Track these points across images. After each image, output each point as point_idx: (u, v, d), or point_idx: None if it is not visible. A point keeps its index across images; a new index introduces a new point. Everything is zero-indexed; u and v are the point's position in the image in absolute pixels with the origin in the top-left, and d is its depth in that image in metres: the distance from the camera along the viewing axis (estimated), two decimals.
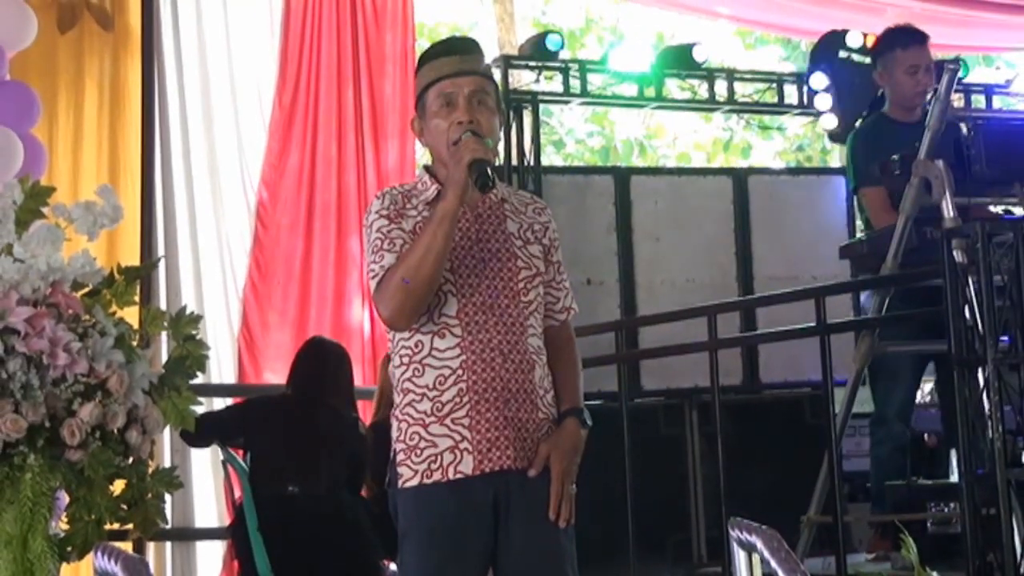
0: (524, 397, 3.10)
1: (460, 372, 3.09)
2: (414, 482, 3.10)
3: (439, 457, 3.08)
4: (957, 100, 7.88)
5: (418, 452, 3.10)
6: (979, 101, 8.50)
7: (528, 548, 3.10)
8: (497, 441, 3.07)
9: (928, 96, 5.42)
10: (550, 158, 13.77)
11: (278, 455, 5.34)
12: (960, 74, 6.79)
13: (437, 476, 3.08)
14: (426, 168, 3.26)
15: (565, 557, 3.15)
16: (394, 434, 3.17)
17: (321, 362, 5.55)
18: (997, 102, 8.56)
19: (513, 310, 3.12)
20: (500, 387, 3.08)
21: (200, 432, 4.19)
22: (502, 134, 7.35)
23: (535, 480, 3.10)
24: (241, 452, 5.53)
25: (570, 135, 15.00)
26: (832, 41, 7.86)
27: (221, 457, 5.76)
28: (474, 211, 3.17)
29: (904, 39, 5.56)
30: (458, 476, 3.07)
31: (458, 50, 3.24)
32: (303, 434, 5.36)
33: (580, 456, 3.15)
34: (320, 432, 5.37)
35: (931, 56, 5.54)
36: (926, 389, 6.88)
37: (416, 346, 3.11)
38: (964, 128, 4.98)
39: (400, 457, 3.13)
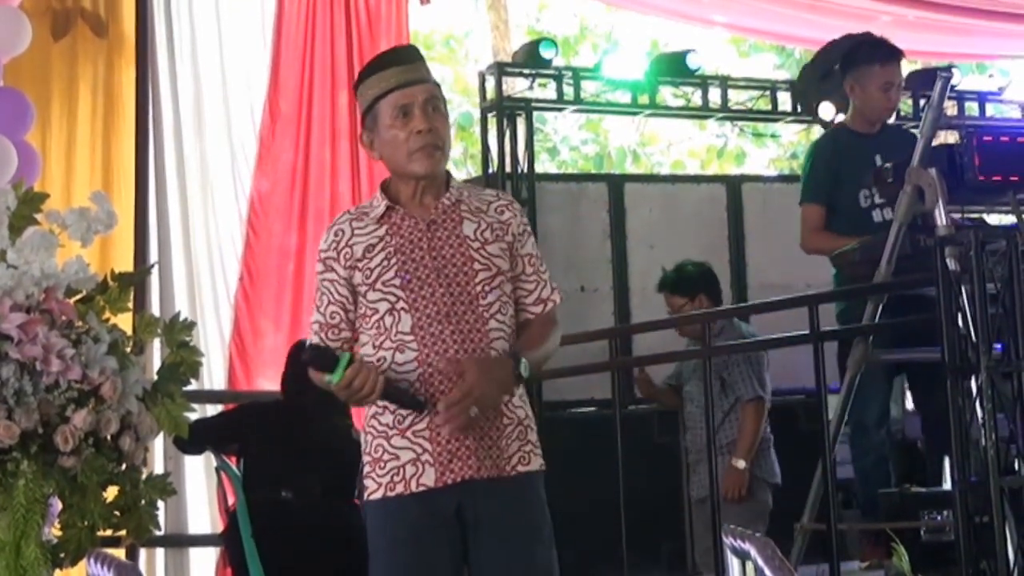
0: (469, 421, 3.06)
1: (418, 385, 3.09)
2: (378, 495, 3.12)
3: (401, 469, 3.09)
4: (950, 108, 7.90)
5: (382, 465, 3.12)
6: (972, 109, 8.51)
7: (499, 564, 3.10)
8: (458, 451, 3.07)
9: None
10: (544, 165, 13.79)
11: (272, 461, 5.34)
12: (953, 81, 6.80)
13: (400, 488, 3.09)
14: (382, 185, 3.27)
15: (539, 570, 3.14)
16: (363, 447, 3.19)
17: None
18: (990, 110, 8.58)
19: (471, 316, 3.11)
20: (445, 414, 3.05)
21: (193, 439, 4.19)
22: (495, 141, 7.44)
23: (501, 489, 3.09)
24: (234, 459, 5.52)
25: (564, 142, 15.00)
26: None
27: (214, 464, 5.77)
28: (427, 219, 3.17)
29: (883, 55, 5.54)
30: (421, 488, 3.08)
31: (402, 60, 3.24)
32: (297, 440, 5.34)
33: (500, 393, 3.09)
34: (314, 438, 5.36)
35: (902, 75, 5.56)
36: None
37: (379, 361, 3.13)
38: (953, 136, 5.00)
39: (366, 470, 3.16)
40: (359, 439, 5.47)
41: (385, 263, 3.13)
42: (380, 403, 3.12)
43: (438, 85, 3.25)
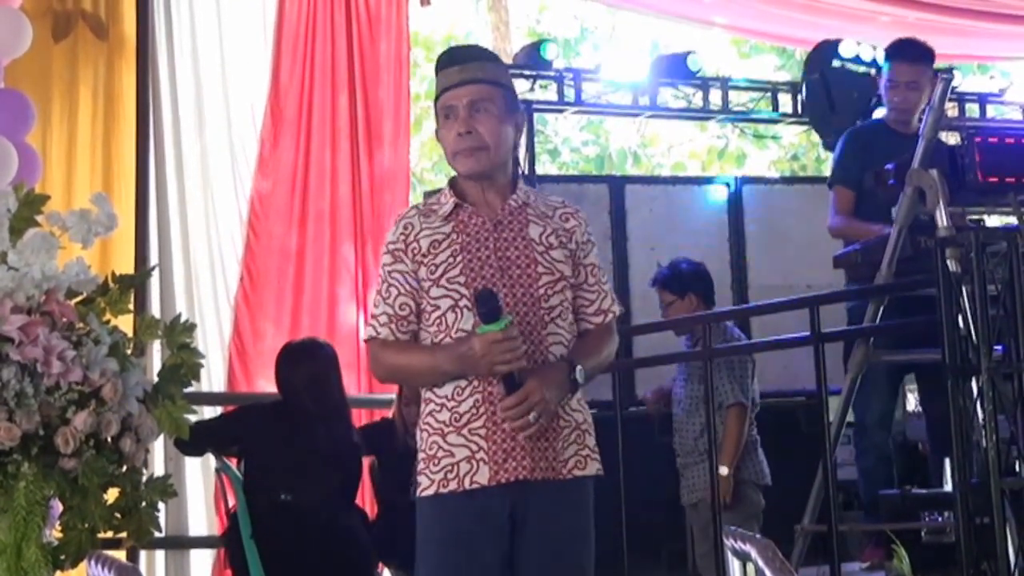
0: (531, 427, 3.07)
1: (476, 383, 3.11)
2: (431, 491, 3.12)
3: (456, 467, 3.09)
4: (951, 109, 7.91)
5: (436, 461, 3.12)
6: (973, 110, 8.51)
7: (544, 566, 3.10)
8: (513, 451, 3.08)
9: (911, 114, 5.49)
10: (545, 167, 13.77)
11: (273, 463, 5.34)
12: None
13: (453, 486, 3.09)
14: (449, 182, 3.29)
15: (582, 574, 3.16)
16: (418, 444, 3.19)
17: (312, 367, 5.50)
18: (991, 111, 8.57)
19: (533, 317, 3.12)
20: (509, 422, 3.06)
21: (194, 440, 4.18)
22: None
23: (554, 491, 3.10)
24: (235, 460, 5.52)
25: (565, 144, 14.97)
26: (825, 50, 7.89)
27: (215, 465, 5.76)
28: (493, 219, 3.19)
29: (892, 52, 5.64)
30: (474, 486, 3.08)
31: (458, 60, 3.26)
32: (297, 442, 5.34)
33: (557, 399, 3.10)
34: (314, 440, 5.35)
35: (916, 74, 5.54)
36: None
37: None
38: (955, 138, 5.00)
39: (420, 466, 3.16)
40: (359, 443, 5.54)
41: (451, 260, 3.14)
42: (438, 397, 3.13)
43: (496, 84, 3.23)
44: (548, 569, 3.11)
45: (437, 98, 3.22)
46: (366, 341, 3.26)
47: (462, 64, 3.22)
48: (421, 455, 3.16)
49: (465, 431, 3.10)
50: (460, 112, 3.17)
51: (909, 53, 5.58)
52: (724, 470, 5.54)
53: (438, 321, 3.14)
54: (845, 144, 5.68)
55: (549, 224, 3.23)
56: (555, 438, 3.12)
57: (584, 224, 3.30)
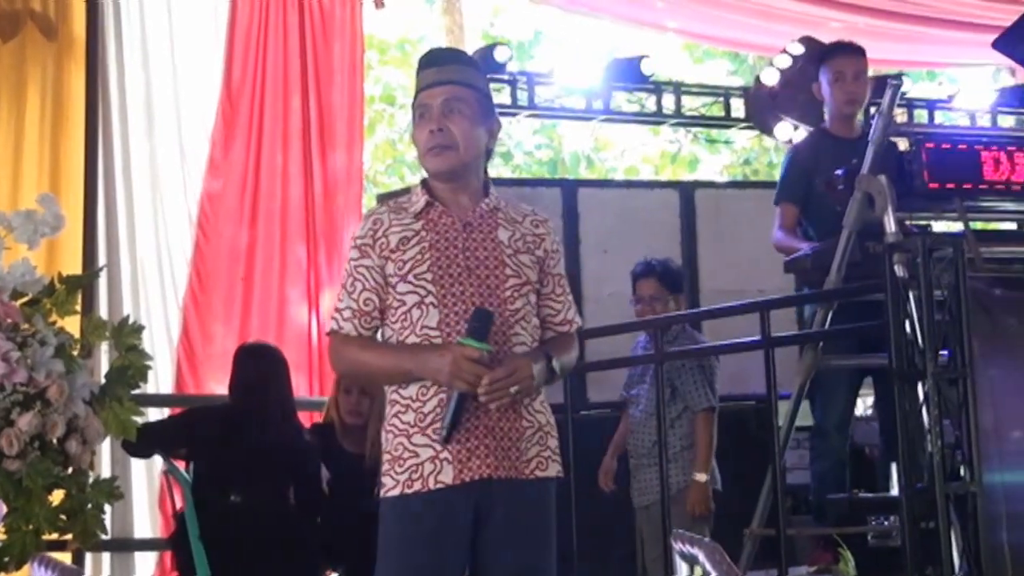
0: (507, 405, 3.11)
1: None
2: (395, 492, 3.13)
3: (420, 467, 3.11)
4: (900, 115, 7.94)
5: (401, 463, 3.13)
6: (921, 116, 8.56)
7: (505, 565, 3.13)
8: (477, 450, 3.10)
9: (860, 107, 5.53)
10: (498, 170, 13.76)
11: (222, 465, 5.31)
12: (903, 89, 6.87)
13: (418, 486, 3.11)
14: (422, 181, 3.31)
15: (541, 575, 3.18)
16: (383, 445, 3.20)
17: (260, 370, 5.49)
18: (939, 117, 8.62)
19: (498, 319, 3.13)
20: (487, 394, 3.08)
21: (142, 443, 4.16)
22: None
23: (517, 490, 3.12)
24: (183, 463, 5.50)
25: (518, 148, 14.97)
26: None
27: (162, 467, 5.74)
28: (464, 220, 3.21)
29: (830, 50, 5.68)
30: (438, 486, 3.09)
31: (437, 62, 3.31)
32: (247, 444, 5.31)
33: (535, 389, 3.15)
34: (264, 443, 5.33)
35: (862, 66, 5.59)
36: (868, 402, 6.91)
37: None
38: (905, 143, 5.03)
39: (385, 467, 3.17)
40: (308, 445, 5.52)
41: (419, 257, 3.16)
42: (403, 398, 3.15)
43: (470, 86, 3.26)
44: (510, 568, 3.13)
45: (415, 99, 3.26)
46: (328, 335, 3.28)
47: (440, 66, 3.27)
48: (386, 456, 3.17)
49: (429, 431, 3.11)
50: (434, 111, 3.20)
51: (849, 47, 5.62)
52: (703, 476, 5.53)
53: (403, 317, 3.16)
54: (790, 161, 5.71)
55: (518, 229, 3.26)
56: (518, 438, 3.14)
57: (553, 234, 3.32)
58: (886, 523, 5.14)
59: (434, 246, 3.18)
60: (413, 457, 3.12)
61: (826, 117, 5.69)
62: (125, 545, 6.60)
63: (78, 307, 3.08)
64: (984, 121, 8.50)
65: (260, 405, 5.40)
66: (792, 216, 5.53)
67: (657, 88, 8.16)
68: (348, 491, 5.33)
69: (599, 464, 5.97)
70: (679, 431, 5.70)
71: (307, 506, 5.43)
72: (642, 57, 8.00)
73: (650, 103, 8.19)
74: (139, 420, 3.05)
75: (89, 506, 2.97)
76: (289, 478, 5.42)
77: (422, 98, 3.23)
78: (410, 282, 3.15)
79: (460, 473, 3.09)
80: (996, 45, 5.27)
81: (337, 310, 3.24)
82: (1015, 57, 5.81)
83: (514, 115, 8.07)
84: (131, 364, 3.03)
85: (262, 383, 5.44)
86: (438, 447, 3.10)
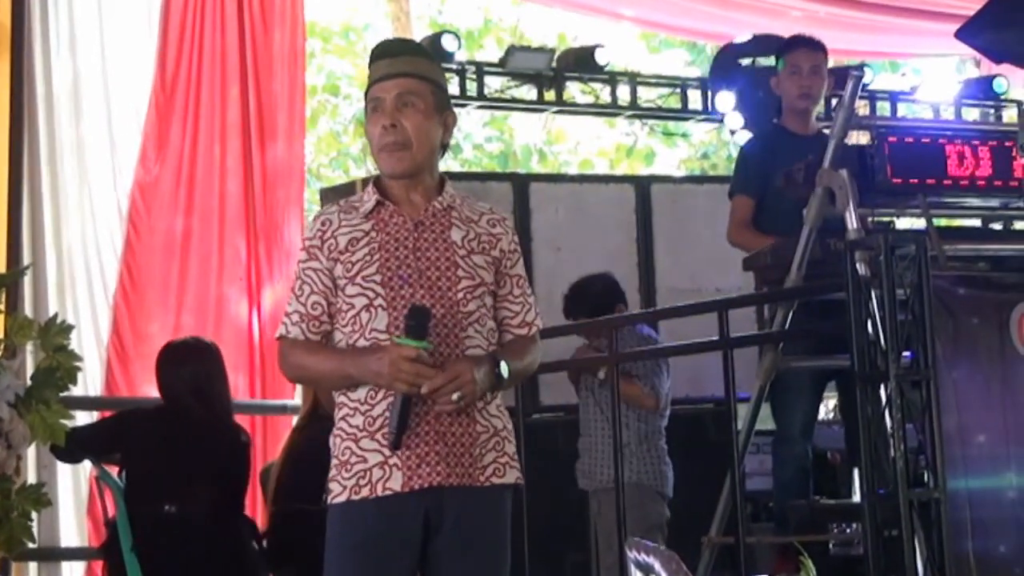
0: (459, 410, 3.08)
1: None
2: (342, 498, 3.10)
3: (368, 473, 3.08)
4: (862, 107, 7.91)
5: (348, 468, 3.10)
6: (884, 108, 8.54)
7: (456, 574, 3.10)
8: (427, 456, 3.06)
9: (815, 102, 5.50)
10: (447, 163, 13.57)
11: (156, 472, 5.18)
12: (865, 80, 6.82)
13: (365, 492, 3.07)
14: (375, 179, 3.27)
15: None
16: (331, 450, 3.17)
17: (197, 369, 5.34)
18: (902, 109, 8.60)
19: (449, 321, 3.10)
20: (431, 401, 3.05)
21: (71, 447, 4.07)
22: None
23: (470, 499, 3.08)
24: (115, 468, 5.36)
25: (467, 140, 14.90)
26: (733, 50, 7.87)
27: (93, 473, 5.64)
28: (415, 219, 3.17)
29: (787, 44, 5.64)
30: (387, 492, 3.06)
31: (389, 53, 3.25)
32: (182, 449, 5.19)
33: (482, 387, 3.08)
34: (201, 448, 5.21)
35: (820, 60, 5.55)
36: (830, 405, 6.86)
37: None
38: (867, 137, 4.93)
39: (332, 472, 3.15)
40: (247, 444, 5.37)
41: (368, 258, 3.13)
42: (352, 401, 3.11)
43: (425, 79, 3.20)
44: None
45: (367, 91, 3.21)
46: (277, 339, 3.25)
47: (393, 57, 3.22)
48: (334, 461, 3.14)
49: (378, 436, 3.08)
50: (387, 105, 3.15)
51: (807, 41, 5.59)
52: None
53: (352, 320, 3.13)
54: (747, 154, 5.67)
55: (473, 229, 3.21)
56: (472, 444, 3.10)
57: (511, 233, 3.27)
58: (848, 531, 5.08)
59: (383, 247, 3.14)
60: (361, 462, 3.08)
61: (783, 113, 5.63)
62: (52, 554, 6.51)
63: (1, 306, 2.92)
64: (948, 113, 8.54)
65: (197, 407, 5.25)
66: (748, 209, 5.47)
67: (612, 79, 8.15)
68: (301, 495, 5.17)
69: (551, 469, 5.94)
70: (632, 428, 5.80)
71: (246, 516, 5.29)
72: (596, 46, 7.99)
73: (605, 94, 8.18)
74: (68, 424, 2.90)
75: (15, 513, 2.84)
76: (227, 484, 5.29)
77: (375, 91, 3.18)
78: (359, 284, 3.12)
79: (409, 480, 3.05)
80: (959, 35, 5.19)
81: (286, 314, 3.22)
82: (979, 47, 5.76)
83: (463, 106, 8.03)
84: (59, 365, 2.93)
85: (198, 383, 5.30)
86: (387, 452, 3.06)
